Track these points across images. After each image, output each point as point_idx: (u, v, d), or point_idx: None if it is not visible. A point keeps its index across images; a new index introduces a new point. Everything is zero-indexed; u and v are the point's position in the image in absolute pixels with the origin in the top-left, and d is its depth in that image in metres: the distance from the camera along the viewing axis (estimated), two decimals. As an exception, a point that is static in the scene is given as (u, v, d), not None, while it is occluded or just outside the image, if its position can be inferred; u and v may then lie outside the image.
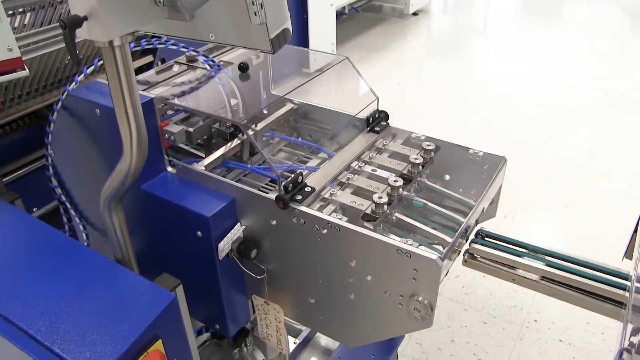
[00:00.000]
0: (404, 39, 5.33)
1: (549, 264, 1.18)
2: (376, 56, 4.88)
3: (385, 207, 1.14)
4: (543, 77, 4.44)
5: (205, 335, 1.60)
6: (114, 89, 1.00)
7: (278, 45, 0.94)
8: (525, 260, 1.20)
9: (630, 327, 0.87)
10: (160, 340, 0.93)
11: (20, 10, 1.29)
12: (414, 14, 5.92)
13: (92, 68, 1.26)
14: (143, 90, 1.34)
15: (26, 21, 1.33)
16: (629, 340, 0.83)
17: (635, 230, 1.17)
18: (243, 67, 1.52)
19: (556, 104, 3.98)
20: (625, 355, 0.76)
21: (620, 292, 1.09)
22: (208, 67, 1.51)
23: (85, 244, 1.48)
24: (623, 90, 4.16)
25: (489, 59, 4.90)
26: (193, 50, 1.51)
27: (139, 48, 1.39)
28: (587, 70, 4.53)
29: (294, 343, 1.93)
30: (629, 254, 1.20)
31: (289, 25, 0.97)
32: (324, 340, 2.04)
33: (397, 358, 2.01)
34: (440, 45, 5.43)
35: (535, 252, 1.22)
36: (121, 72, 0.98)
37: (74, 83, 1.24)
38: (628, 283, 1.09)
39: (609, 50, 4.96)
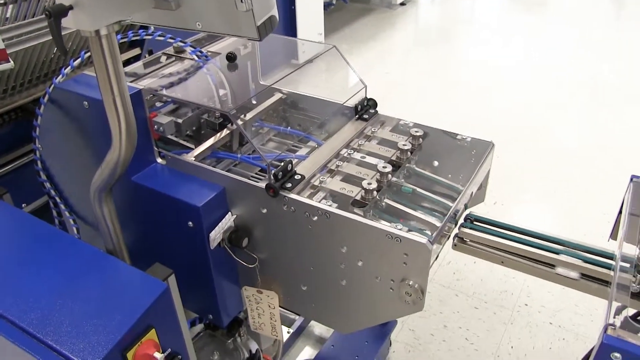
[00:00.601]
0: (392, 29, 5.33)
1: (538, 246, 1.20)
2: (364, 46, 4.88)
3: (375, 193, 1.14)
4: (532, 65, 4.47)
5: (200, 327, 1.60)
6: (101, 79, 1.00)
7: (265, 32, 0.94)
8: (514, 243, 1.22)
9: (615, 304, 0.90)
10: (154, 329, 0.94)
11: (2, 2, 1.27)
12: (402, 4, 5.92)
13: (78, 60, 1.25)
14: (131, 82, 1.33)
15: (8, 14, 1.31)
16: (614, 317, 0.86)
17: (620, 212, 1.19)
18: (231, 57, 1.52)
19: (545, 92, 4.01)
20: (609, 330, 0.79)
21: (606, 271, 1.11)
22: (196, 58, 1.50)
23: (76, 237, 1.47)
24: (611, 78, 4.20)
25: (477, 48, 4.92)
26: (180, 41, 1.50)
27: (125, 39, 1.38)
28: (575, 59, 4.57)
29: (288, 333, 1.95)
30: (614, 234, 1.22)
31: (275, 12, 0.97)
32: (317, 329, 2.06)
33: (391, 344, 2.03)
34: (428, 35, 5.45)
35: (523, 234, 1.24)
36: (108, 61, 0.98)
37: (60, 76, 1.23)
38: (613, 262, 1.11)
39: (597, 39, 5.00)
